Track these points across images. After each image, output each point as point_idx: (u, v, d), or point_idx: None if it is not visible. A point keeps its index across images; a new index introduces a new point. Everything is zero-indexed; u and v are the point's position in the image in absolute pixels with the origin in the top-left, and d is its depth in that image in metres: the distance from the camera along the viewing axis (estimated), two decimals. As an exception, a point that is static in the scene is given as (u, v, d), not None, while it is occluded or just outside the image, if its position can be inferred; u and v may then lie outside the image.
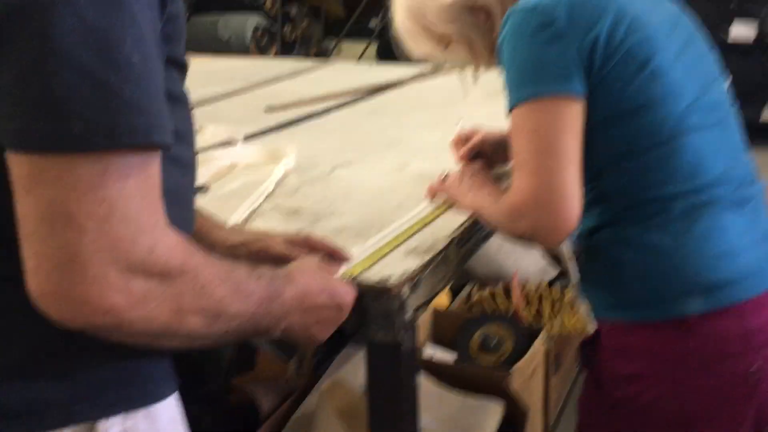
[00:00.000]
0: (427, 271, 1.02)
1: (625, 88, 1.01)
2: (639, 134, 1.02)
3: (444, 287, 1.98)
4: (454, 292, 2.20)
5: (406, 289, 0.96)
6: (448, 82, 2.49)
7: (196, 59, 3.08)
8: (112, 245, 0.60)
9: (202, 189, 1.39)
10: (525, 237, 1.02)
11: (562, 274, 2.27)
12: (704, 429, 1.02)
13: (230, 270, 0.72)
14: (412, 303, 0.98)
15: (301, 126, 1.88)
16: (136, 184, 0.62)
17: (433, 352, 1.84)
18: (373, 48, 5.54)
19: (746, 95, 4.81)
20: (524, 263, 2.28)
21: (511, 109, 1.03)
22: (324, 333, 0.88)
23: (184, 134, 0.76)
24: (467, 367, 1.72)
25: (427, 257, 1.04)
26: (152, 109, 0.63)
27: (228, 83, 2.39)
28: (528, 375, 1.78)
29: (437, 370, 1.70)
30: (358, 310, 0.96)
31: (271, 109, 2.02)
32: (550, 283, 2.20)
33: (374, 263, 1.02)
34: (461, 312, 2.08)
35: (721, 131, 1.07)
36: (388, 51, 5.63)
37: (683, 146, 1.01)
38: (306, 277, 0.84)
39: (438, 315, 2.02)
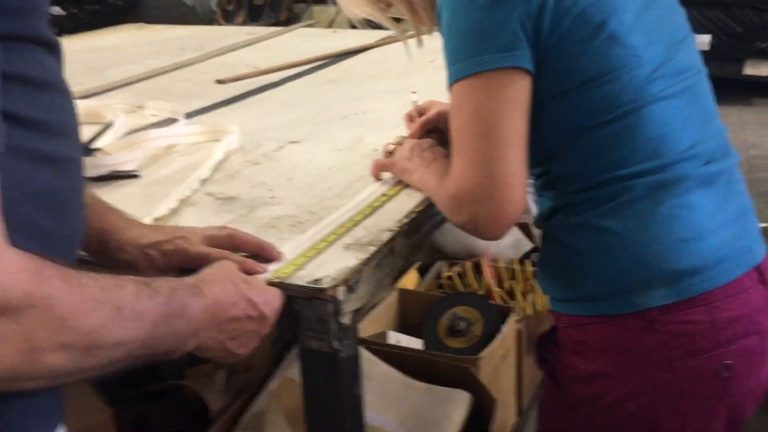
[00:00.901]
0: (369, 267, 0.91)
1: (578, 56, 0.89)
2: (595, 108, 0.90)
3: (394, 281, 1.88)
4: (423, 270, 2.10)
5: (341, 291, 0.85)
6: (414, 46, 2.37)
7: (144, 29, 2.92)
8: None
9: (133, 174, 1.27)
10: (467, 228, 0.93)
11: (536, 249, 2.17)
12: (673, 430, 0.94)
13: (112, 289, 0.60)
14: (350, 306, 0.87)
15: (252, 99, 1.75)
16: None
17: (399, 338, 1.74)
18: (346, 11, 5.36)
19: (727, 49, 4.73)
20: (496, 238, 2.18)
21: (451, 85, 0.92)
22: (245, 348, 0.77)
23: (55, 125, 0.64)
24: (434, 355, 1.63)
25: (368, 252, 0.93)
26: None
27: (177, 54, 2.24)
28: (498, 359, 1.69)
29: (403, 359, 1.60)
30: (289, 315, 0.85)
31: (221, 81, 1.89)
32: (523, 259, 2.10)
33: (308, 261, 0.91)
34: (429, 292, 1.98)
35: (689, 100, 0.95)
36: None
37: (645, 119, 0.90)
38: (218, 286, 0.73)
39: (405, 295, 1.92)
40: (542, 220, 0.98)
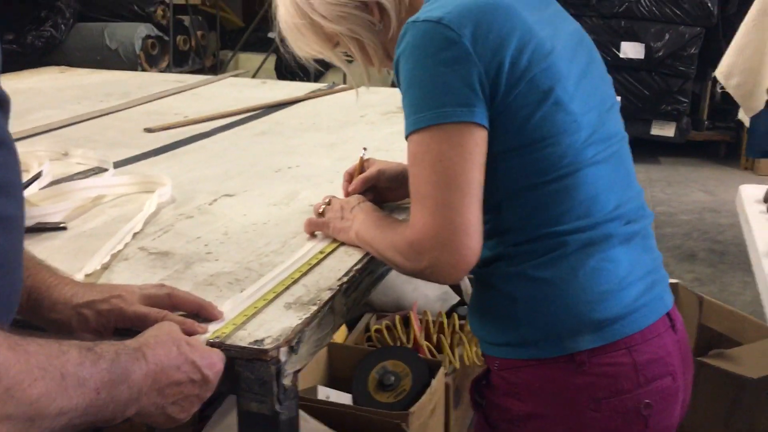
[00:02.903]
0: (310, 327, 0.91)
1: (528, 118, 0.95)
2: (538, 167, 0.96)
3: (330, 339, 1.87)
4: (351, 323, 2.10)
5: (284, 352, 0.85)
6: (346, 99, 2.41)
7: (66, 71, 2.86)
8: None
9: (61, 227, 1.22)
10: (424, 274, 0.95)
11: (462, 303, 2.20)
12: None
13: (56, 356, 0.58)
14: (292, 366, 0.86)
15: (182, 150, 1.73)
16: None
17: (329, 394, 1.72)
18: (272, 60, 5.39)
19: (636, 111, 5.00)
20: (423, 291, 2.20)
21: (409, 134, 0.94)
22: (186, 412, 0.75)
23: (3, 184, 0.62)
24: (364, 410, 1.62)
25: (309, 311, 0.93)
26: None
27: (104, 100, 2.20)
28: (428, 413, 1.69)
29: (332, 414, 1.58)
30: (228, 375, 0.83)
31: (150, 130, 1.86)
32: (450, 312, 2.13)
33: (248, 320, 0.90)
34: (358, 345, 1.98)
35: (615, 164, 1.03)
36: (288, 63, 5.54)
37: (580, 181, 0.97)
38: (161, 349, 0.71)
39: (334, 349, 1.91)
40: (479, 267, 1.00)
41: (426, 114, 0.91)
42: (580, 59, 1.03)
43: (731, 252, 3.67)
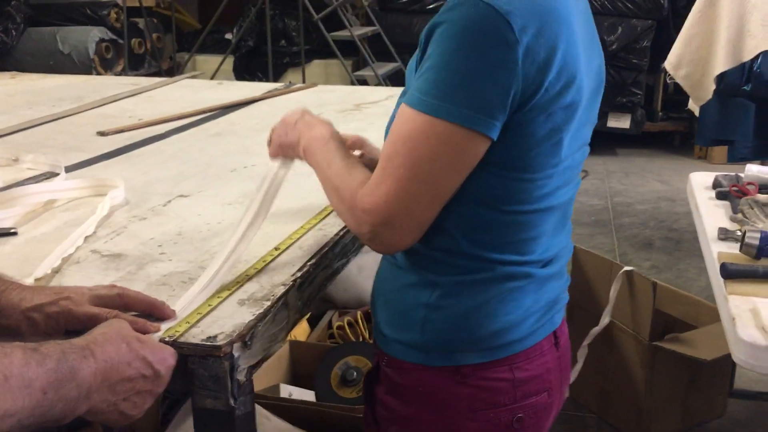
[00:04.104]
0: (264, 322, 0.91)
1: (528, 148, 0.91)
2: (508, 195, 0.94)
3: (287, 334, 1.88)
4: (313, 321, 2.10)
5: (237, 348, 0.85)
6: (301, 99, 2.41)
7: (17, 77, 2.80)
8: None
9: (11, 232, 1.21)
10: (360, 235, 0.94)
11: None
12: None
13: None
14: (246, 362, 0.87)
15: (136, 152, 1.71)
16: None
17: (291, 391, 1.72)
18: (230, 61, 5.36)
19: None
20: (385, 286, 2.22)
21: (414, 108, 0.87)
22: (138, 409, 0.75)
23: None
24: (327, 406, 1.62)
25: (263, 307, 0.93)
26: None
27: (56, 105, 2.17)
28: (390, 407, 1.70)
29: (295, 412, 1.59)
30: (182, 373, 0.84)
31: (103, 133, 1.84)
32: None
33: (201, 318, 0.90)
34: (320, 342, 1.98)
35: (563, 212, 1.03)
36: (247, 64, 5.51)
37: (533, 223, 0.97)
38: (110, 346, 0.72)
39: (296, 347, 1.91)
40: (403, 255, 1.00)
41: (446, 106, 0.85)
42: (593, 107, 1.00)
43: (686, 239, 3.75)
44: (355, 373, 1.75)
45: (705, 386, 2.28)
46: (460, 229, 0.95)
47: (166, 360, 0.77)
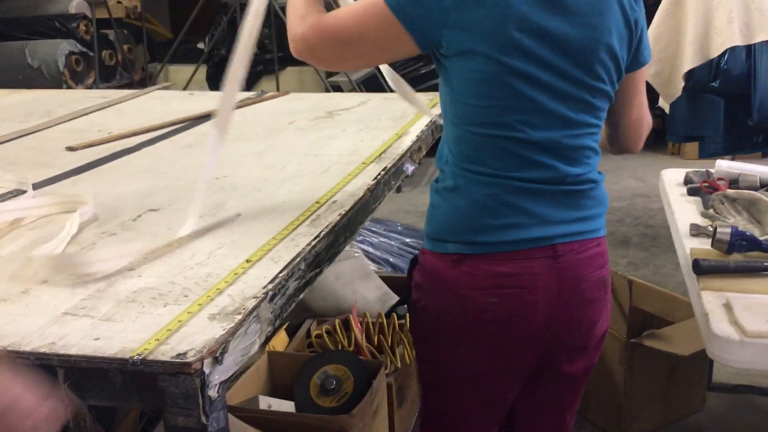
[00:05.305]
0: (235, 336, 0.90)
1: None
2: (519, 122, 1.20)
3: (263, 346, 1.86)
4: (292, 330, 2.09)
5: (208, 363, 0.84)
6: (275, 107, 2.40)
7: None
8: None
9: (-24, 252, 1.19)
10: (291, 40, 1.28)
11: (402, 302, 2.21)
12: (456, 338, 1.28)
13: None
14: (218, 377, 0.86)
15: (105, 167, 1.69)
16: None
17: (270, 403, 1.71)
18: (203, 71, 5.33)
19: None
20: (363, 293, 2.21)
21: None
22: None
23: None
24: (306, 417, 1.61)
25: (234, 320, 0.92)
26: None
27: (24, 120, 2.14)
28: (371, 414, 1.70)
29: (274, 424, 1.58)
30: (153, 392, 0.83)
31: (72, 148, 1.82)
32: (389, 313, 2.14)
33: (171, 334, 0.89)
34: (299, 352, 1.97)
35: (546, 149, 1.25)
36: (220, 73, 5.48)
37: (501, 145, 1.20)
38: None
39: (274, 357, 1.90)
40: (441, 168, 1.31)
41: None
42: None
43: (662, 235, 3.79)
44: (334, 382, 1.74)
45: (684, 381, 2.30)
46: (471, 147, 1.23)
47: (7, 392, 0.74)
